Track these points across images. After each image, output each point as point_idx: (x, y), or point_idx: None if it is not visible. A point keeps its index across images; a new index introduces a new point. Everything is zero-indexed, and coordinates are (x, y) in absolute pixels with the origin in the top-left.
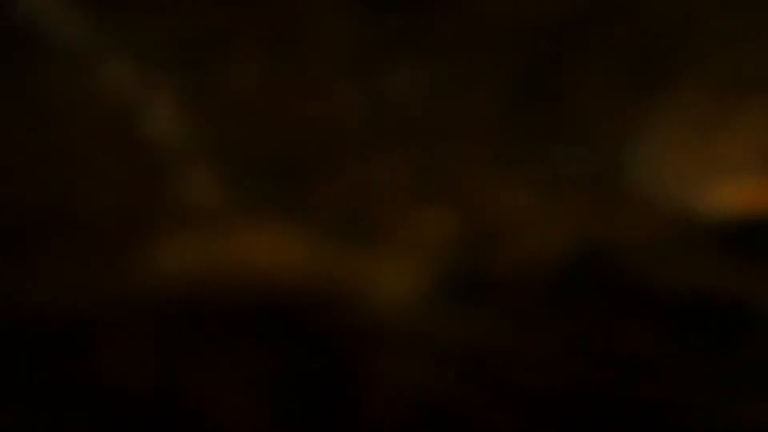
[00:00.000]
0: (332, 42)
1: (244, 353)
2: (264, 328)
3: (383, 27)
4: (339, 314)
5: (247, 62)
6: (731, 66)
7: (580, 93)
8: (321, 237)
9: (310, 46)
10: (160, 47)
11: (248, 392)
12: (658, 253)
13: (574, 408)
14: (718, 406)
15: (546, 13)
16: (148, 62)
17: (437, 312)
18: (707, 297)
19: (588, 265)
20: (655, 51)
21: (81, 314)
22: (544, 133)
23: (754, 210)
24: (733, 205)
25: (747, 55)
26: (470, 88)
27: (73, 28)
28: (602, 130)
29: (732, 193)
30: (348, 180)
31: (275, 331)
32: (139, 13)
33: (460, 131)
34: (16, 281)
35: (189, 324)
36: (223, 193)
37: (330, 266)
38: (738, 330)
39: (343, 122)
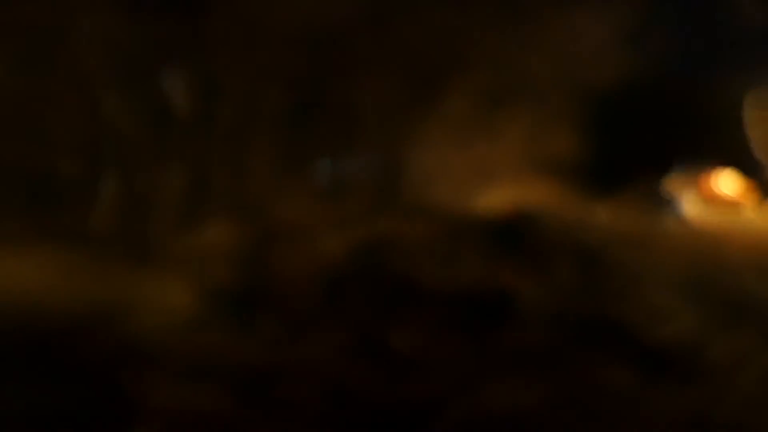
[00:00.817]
0: (96, 44)
1: (6, 385)
2: (28, 356)
3: (154, 32)
4: (106, 337)
5: None
6: (496, 77)
7: (357, 102)
8: (87, 259)
9: (70, 47)
10: None
11: (15, 426)
12: (432, 252)
13: (351, 412)
14: (484, 394)
15: (321, 25)
16: None
17: (210, 328)
18: (477, 292)
19: (365, 269)
20: (427, 63)
21: None
22: (321, 141)
23: (518, 210)
24: (499, 206)
25: (511, 67)
26: (247, 97)
27: None
28: (378, 137)
29: (498, 194)
30: (116, 196)
31: (40, 360)
32: None
33: (237, 142)
34: None
35: None
36: None
37: (96, 288)
38: (504, 321)
39: (108, 130)
